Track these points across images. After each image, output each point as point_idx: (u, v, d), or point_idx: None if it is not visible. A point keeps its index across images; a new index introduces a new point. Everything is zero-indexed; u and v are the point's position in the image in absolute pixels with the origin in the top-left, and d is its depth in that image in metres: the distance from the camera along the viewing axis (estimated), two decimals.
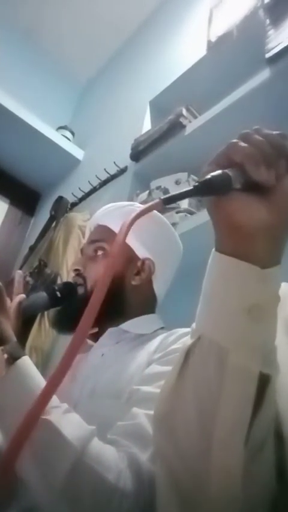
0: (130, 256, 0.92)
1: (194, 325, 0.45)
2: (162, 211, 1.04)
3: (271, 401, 0.42)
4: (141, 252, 0.92)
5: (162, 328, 0.90)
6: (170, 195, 0.40)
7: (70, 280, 0.95)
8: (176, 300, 1.03)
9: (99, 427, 0.60)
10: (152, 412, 0.61)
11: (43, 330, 1.52)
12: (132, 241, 0.92)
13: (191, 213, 1.26)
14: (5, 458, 0.52)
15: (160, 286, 0.95)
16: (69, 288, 0.91)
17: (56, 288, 0.90)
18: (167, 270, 0.97)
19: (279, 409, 0.45)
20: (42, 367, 1.45)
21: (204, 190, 0.40)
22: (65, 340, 1.09)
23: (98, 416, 0.65)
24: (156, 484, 0.45)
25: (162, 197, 0.40)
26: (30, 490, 0.58)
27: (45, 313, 1.55)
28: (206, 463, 0.40)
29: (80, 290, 0.90)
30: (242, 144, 0.41)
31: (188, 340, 0.45)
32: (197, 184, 0.40)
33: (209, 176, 0.40)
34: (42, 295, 0.88)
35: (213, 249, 0.44)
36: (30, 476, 0.57)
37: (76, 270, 0.93)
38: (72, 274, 0.94)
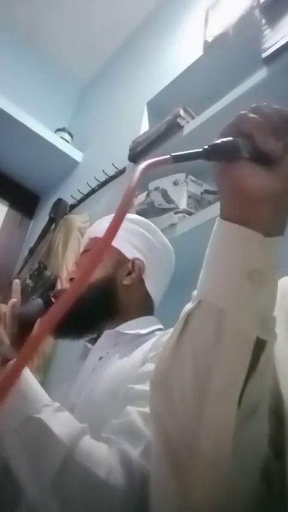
0: (119, 258, 0.94)
1: (195, 292, 0.45)
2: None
3: (266, 367, 0.43)
4: (129, 253, 0.95)
5: (160, 329, 0.90)
6: (179, 153, 0.40)
7: (65, 288, 0.98)
8: (174, 302, 1.03)
9: (95, 426, 0.61)
10: (144, 409, 0.63)
11: None
12: (119, 243, 0.94)
13: (190, 213, 1.26)
14: None
15: (153, 285, 0.96)
16: None
17: (51, 294, 0.93)
18: (158, 268, 0.99)
19: (280, 391, 0.46)
20: (44, 371, 1.45)
21: (213, 154, 0.40)
22: (66, 344, 1.09)
23: (94, 417, 0.66)
24: (152, 449, 0.46)
25: (172, 154, 0.40)
26: (22, 487, 0.59)
27: None
28: (198, 420, 0.41)
29: None
30: (251, 114, 0.42)
31: (188, 306, 0.45)
32: (206, 147, 0.40)
33: (218, 141, 0.40)
34: (37, 302, 0.90)
35: (218, 217, 0.45)
36: (21, 473, 0.58)
37: (72, 279, 0.96)
38: (67, 284, 0.98)
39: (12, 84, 2.32)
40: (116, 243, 0.94)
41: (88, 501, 0.54)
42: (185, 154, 0.40)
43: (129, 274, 0.94)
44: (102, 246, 0.31)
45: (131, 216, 1.02)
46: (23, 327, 0.83)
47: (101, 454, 0.57)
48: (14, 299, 0.86)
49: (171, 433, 0.43)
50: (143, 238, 0.97)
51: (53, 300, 0.91)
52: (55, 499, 0.54)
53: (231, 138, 0.41)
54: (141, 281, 0.94)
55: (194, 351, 0.43)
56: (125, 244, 0.95)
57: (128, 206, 0.34)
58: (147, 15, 2.34)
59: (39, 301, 0.91)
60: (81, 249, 1.05)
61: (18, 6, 2.43)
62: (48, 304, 0.91)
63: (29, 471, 0.57)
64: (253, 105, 0.43)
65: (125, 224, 0.95)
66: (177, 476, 0.42)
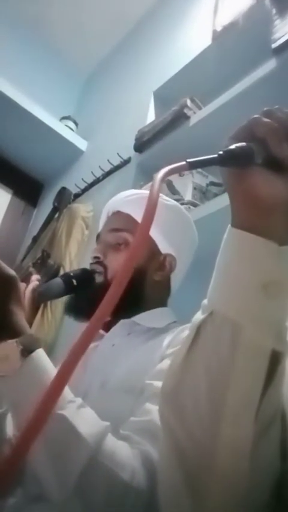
0: (153, 249, 0.90)
1: (205, 301, 0.44)
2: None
3: (281, 378, 0.42)
4: (164, 247, 0.91)
5: (174, 322, 0.89)
6: (195, 159, 0.40)
7: (87, 267, 0.92)
8: (181, 293, 1.03)
9: (111, 421, 0.59)
10: None
11: (46, 321, 1.53)
12: (155, 234, 0.90)
13: (195, 205, 1.26)
14: (14, 453, 0.51)
15: (177, 281, 0.94)
16: (86, 276, 0.88)
17: (72, 274, 0.88)
18: (185, 266, 0.96)
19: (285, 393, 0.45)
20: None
21: (227, 160, 0.40)
22: (69, 332, 1.09)
23: (110, 410, 0.64)
24: (161, 462, 0.45)
25: (188, 160, 0.40)
26: (42, 486, 0.56)
27: (48, 304, 1.55)
28: (214, 438, 0.40)
29: (99, 278, 0.88)
30: (265, 119, 0.41)
31: (198, 316, 0.44)
32: (221, 152, 0.39)
33: (233, 146, 0.40)
34: (57, 281, 0.86)
35: (229, 225, 0.44)
36: (43, 473, 0.56)
37: (96, 257, 0.90)
38: (91, 261, 0.91)
39: (18, 71, 2.31)
40: (152, 232, 0.88)
41: (111, 503, 0.53)
42: (200, 160, 0.40)
43: (159, 269, 0.90)
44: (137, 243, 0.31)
45: (170, 202, 0.95)
46: (35, 306, 0.80)
47: (125, 456, 0.56)
48: (36, 282, 0.84)
49: (184, 446, 0.42)
50: (177, 232, 0.93)
51: (74, 281, 0.86)
52: (78, 499, 0.53)
53: (245, 144, 0.40)
54: (168, 278, 0.92)
55: (207, 364, 0.42)
56: (161, 236, 0.90)
57: (152, 217, 0.34)
58: (155, 3, 2.31)
59: (60, 281, 0.86)
60: (104, 225, 0.96)
61: None
62: (67, 284, 0.86)
63: (51, 470, 0.54)
64: (265, 109, 0.42)
65: (162, 211, 0.88)
66: (192, 495, 0.41)
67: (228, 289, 0.42)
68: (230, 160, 0.40)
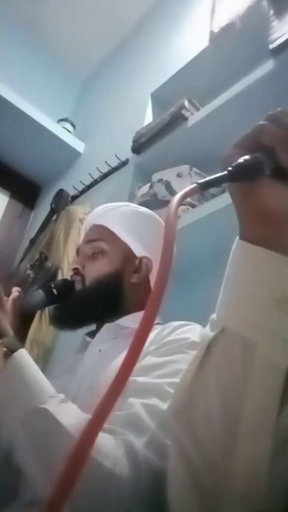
0: (127, 254, 0.93)
1: (214, 316, 0.43)
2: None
3: None
4: (138, 250, 0.93)
5: (158, 323, 0.90)
6: (205, 180, 0.38)
7: (67, 278, 0.96)
8: (177, 295, 1.02)
9: None
10: (147, 401, 0.63)
11: (44, 324, 1.52)
12: (128, 239, 0.93)
13: (193, 206, 1.25)
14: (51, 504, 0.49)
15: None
16: (66, 286, 0.92)
17: (53, 285, 0.92)
18: None
19: None
20: (44, 361, 1.45)
21: (237, 175, 0.38)
22: (67, 334, 1.09)
23: None
24: (172, 480, 0.44)
25: (199, 181, 0.38)
26: (29, 479, 0.59)
27: (46, 308, 1.54)
28: (229, 456, 0.39)
29: (78, 286, 0.91)
30: (272, 126, 0.39)
31: (207, 333, 0.43)
32: (230, 169, 0.38)
33: (241, 160, 0.38)
34: (39, 293, 0.90)
35: (237, 238, 0.43)
36: (28, 464, 0.58)
37: (75, 269, 0.94)
38: (71, 273, 0.95)
39: (15, 73, 2.31)
40: (125, 237, 0.93)
41: (95, 492, 0.54)
42: (211, 180, 0.38)
43: (136, 271, 0.92)
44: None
45: (140, 209, 1.00)
46: (23, 318, 0.83)
47: (107, 445, 0.57)
48: (16, 293, 0.86)
49: (197, 465, 0.41)
50: (150, 235, 0.95)
51: (54, 291, 0.90)
52: None
53: (252, 155, 0.38)
54: (146, 279, 0.93)
55: (219, 382, 0.41)
56: (134, 240, 0.93)
57: (173, 243, 0.33)
58: (153, 5, 2.31)
59: (41, 292, 0.90)
60: (83, 239, 1.01)
61: None
62: (48, 295, 0.90)
63: (35, 462, 0.57)
64: (270, 114, 0.40)
65: (134, 218, 0.95)
66: None
67: (239, 304, 0.41)
68: (240, 175, 0.38)
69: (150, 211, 1.01)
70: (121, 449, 0.57)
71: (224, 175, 0.38)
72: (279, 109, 0.41)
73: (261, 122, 0.40)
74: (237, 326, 0.40)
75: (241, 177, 0.38)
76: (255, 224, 0.41)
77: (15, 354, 0.66)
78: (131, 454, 0.57)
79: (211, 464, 0.40)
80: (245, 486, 0.38)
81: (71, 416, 0.59)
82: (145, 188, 1.40)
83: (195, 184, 0.38)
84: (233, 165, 0.38)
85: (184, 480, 0.43)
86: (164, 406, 0.62)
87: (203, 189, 0.39)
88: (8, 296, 0.85)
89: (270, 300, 0.39)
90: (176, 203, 0.36)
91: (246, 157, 0.38)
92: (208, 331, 0.43)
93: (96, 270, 0.90)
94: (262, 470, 0.38)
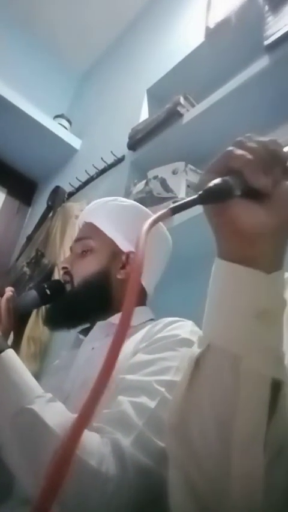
0: (114, 250, 0.92)
1: (200, 333, 0.45)
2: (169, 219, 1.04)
3: (285, 405, 0.42)
4: (124, 245, 0.92)
5: (151, 319, 0.90)
6: (177, 204, 0.41)
7: (59, 278, 0.97)
8: (172, 291, 1.02)
9: None
10: (135, 399, 0.63)
11: (40, 321, 1.52)
12: (114, 234, 0.93)
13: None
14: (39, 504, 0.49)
15: (147, 277, 0.94)
16: (58, 286, 0.93)
17: (46, 286, 0.92)
18: (154, 262, 0.96)
19: None
20: (41, 357, 1.45)
21: (208, 198, 0.41)
22: (63, 333, 1.09)
23: None
24: (173, 493, 0.45)
25: (170, 206, 0.41)
26: (17, 477, 0.59)
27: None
28: (225, 470, 0.40)
29: (68, 287, 0.92)
30: (239, 151, 0.41)
31: (194, 349, 0.45)
32: (200, 193, 0.41)
33: (211, 184, 0.40)
34: (32, 294, 0.90)
35: (216, 257, 0.45)
36: (15, 464, 0.59)
37: (64, 268, 0.95)
38: (61, 272, 0.96)
39: (10, 69, 2.29)
40: (112, 233, 0.92)
41: (81, 490, 0.54)
42: (182, 204, 0.41)
43: (123, 267, 0.92)
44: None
45: (126, 202, 0.99)
46: (17, 318, 0.83)
47: (93, 444, 0.58)
48: (9, 293, 0.86)
49: (195, 480, 0.42)
50: (136, 229, 0.95)
51: (47, 291, 0.90)
52: None
53: (221, 179, 0.41)
54: None
55: (211, 396, 0.42)
56: (120, 235, 0.93)
57: (141, 268, 0.34)
58: (149, 1, 2.30)
59: (34, 292, 0.91)
60: (76, 236, 1.01)
61: None
62: (42, 295, 0.90)
63: (22, 461, 0.58)
64: (237, 139, 0.42)
65: (120, 212, 0.95)
66: None
67: (222, 321, 0.43)
68: (210, 198, 0.41)
69: (136, 203, 1.01)
70: (108, 448, 0.58)
71: (195, 198, 0.41)
72: (246, 135, 0.43)
73: (229, 148, 0.42)
74: (222, 342, 0.42)
75: (211, 200, 0.41)
76: (229, 242, 0.43)
77: (3, 354, 0.67)
78: (117, 452, 0.57)
79: (208, 478, 0.42)
80: (240, 495, 0.40)
81: (58, 416, 0.60)
82: (141, 185, 1.40)
83: (166, 209, 0.41)
84: (203, 189, 0.41)
85: (182, 493, 0.44)
86: (152, 404, 0.63)
87: (175, 213, 0.41)
88: (2, 296, 0.85)
89: (251, 314, 0.41)
90: (146, 228, 0.37)
91: (216, 181, 0.40)
92: (195, 348, 0.45)
93: (83, 269, 0.91)
94: (256, 479, 0.39)
